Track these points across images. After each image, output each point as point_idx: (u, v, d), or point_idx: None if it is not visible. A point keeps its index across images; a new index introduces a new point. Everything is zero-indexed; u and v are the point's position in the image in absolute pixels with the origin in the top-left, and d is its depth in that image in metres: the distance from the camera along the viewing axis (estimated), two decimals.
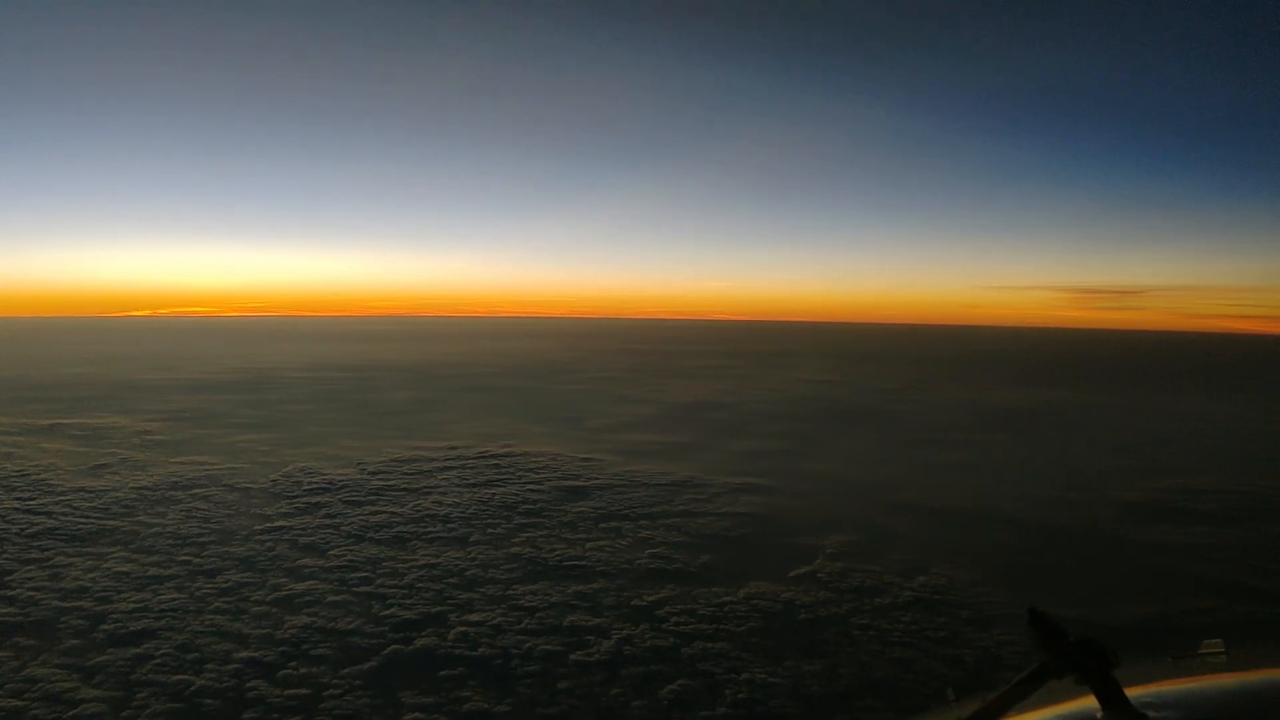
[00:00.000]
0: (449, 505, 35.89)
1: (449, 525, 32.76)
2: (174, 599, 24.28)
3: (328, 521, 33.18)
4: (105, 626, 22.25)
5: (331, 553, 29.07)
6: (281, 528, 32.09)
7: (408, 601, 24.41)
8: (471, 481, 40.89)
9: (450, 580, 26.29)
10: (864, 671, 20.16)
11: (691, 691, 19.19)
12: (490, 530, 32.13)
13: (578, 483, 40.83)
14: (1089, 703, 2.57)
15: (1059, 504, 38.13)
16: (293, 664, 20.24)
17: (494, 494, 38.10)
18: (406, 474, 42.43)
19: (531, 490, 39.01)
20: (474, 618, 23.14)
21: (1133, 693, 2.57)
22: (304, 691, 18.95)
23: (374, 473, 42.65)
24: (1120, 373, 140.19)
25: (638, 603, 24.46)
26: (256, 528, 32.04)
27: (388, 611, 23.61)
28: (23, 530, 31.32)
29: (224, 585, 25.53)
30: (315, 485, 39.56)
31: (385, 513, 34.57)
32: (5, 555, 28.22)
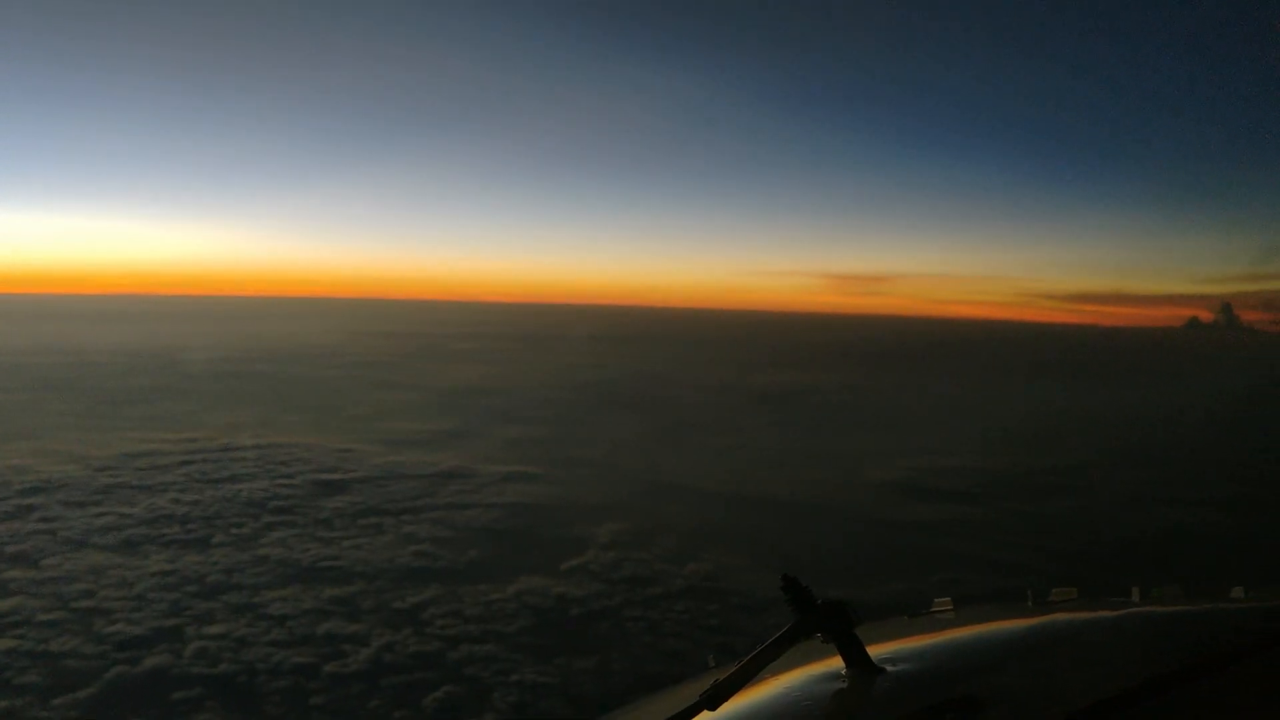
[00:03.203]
0: (188, 504, 32.73)
1: (188, 526, 29.85)
2: None
3: (43, 526, 29.38)
4: None
5: (45, 562, 25.69)
6: None
7: (136, 615, 21.85)
8: (214, 476, 37.56)
9: (188, 588, 23.82)
10: (637, 666, 19.87)
11: (457, 698, 18.22)
12: (235, 530, 29.52)
13: (334, 476, 38.42)
14: (835, 661, 2.70)
15: (819, 485, 39.72)
16: None
17: (240, 490, 35.15)
18: (140, 470, 38.40)
19: (282, 485, 36.32)
20: (215, 630, 21.03)
21: (873, 649, 2.70)
22: None
23: (101, 469, 38.31)
24: (873, 356, 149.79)
25: (399, 605, 23.08)
26: None
27: (112, 628, 21.03)
28: None
29: None
30: (28, 485, 34.98)
31: (113, 514, 31.03)
32: None
